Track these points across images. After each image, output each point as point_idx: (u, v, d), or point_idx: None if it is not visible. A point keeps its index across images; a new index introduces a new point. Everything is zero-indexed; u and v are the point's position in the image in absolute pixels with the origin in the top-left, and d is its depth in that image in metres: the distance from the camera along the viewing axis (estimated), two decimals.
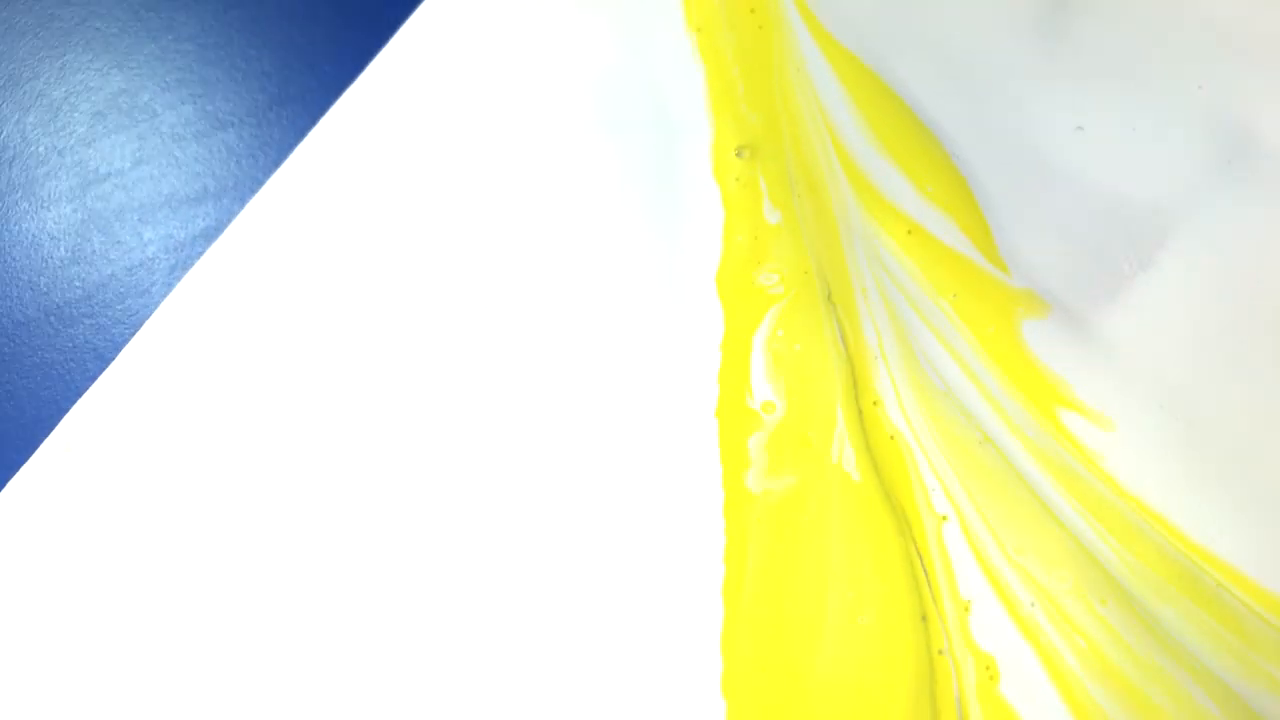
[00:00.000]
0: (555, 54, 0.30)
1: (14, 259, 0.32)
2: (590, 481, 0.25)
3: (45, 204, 0.33)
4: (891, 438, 0.25)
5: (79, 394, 0.30)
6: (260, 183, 0.33)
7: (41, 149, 0.34)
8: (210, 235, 0.32)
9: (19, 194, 0.33)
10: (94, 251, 0.32)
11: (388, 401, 0.26)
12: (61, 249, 0.32)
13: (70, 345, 0.31)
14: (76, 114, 0.35)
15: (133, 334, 0.30)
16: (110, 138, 0.34)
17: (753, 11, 0.30)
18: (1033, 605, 0.23)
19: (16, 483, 0.26)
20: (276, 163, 0.34)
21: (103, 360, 0.30)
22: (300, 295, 0.27)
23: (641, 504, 0.24)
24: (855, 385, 0.25)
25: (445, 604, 0.24)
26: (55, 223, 0.33)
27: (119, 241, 0.32)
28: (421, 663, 0.23)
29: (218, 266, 0.28)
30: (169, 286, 0.32)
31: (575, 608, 0.23)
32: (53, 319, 0.31)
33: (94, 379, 0.30)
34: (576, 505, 0.24)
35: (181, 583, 0.24)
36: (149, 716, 0.22)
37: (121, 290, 0.32)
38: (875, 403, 0.25)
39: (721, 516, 0.24)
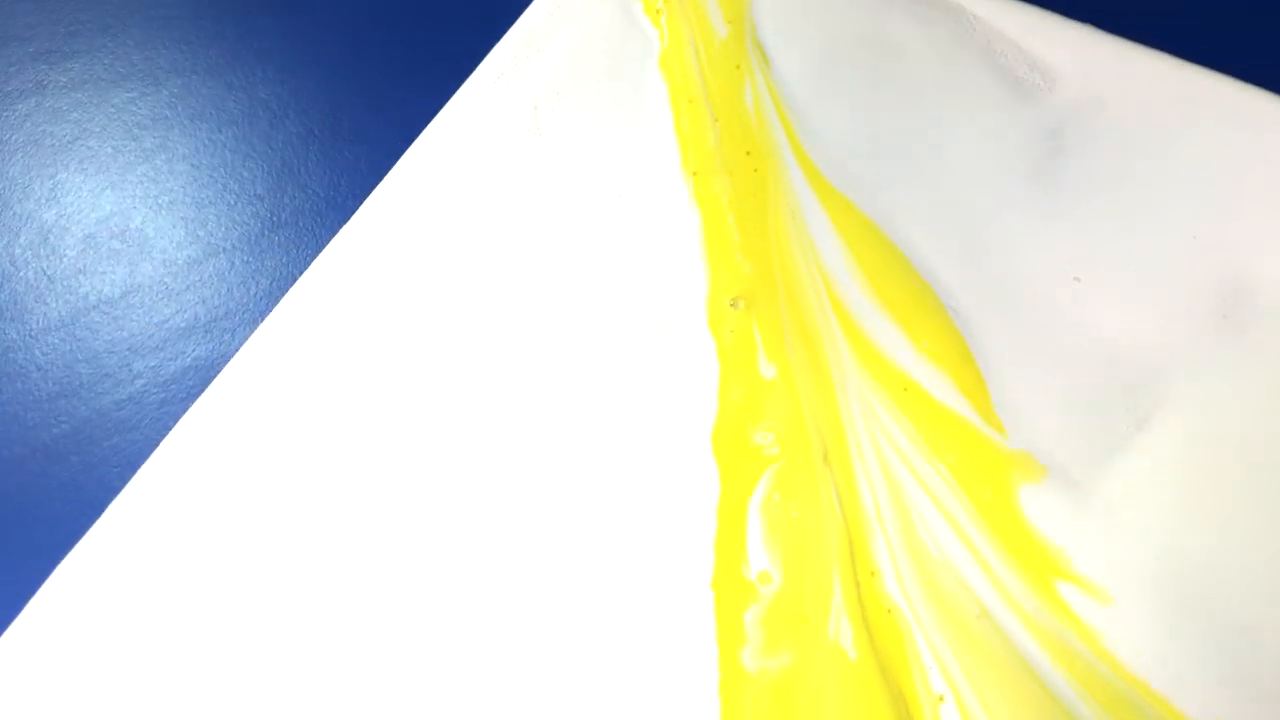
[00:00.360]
0: (551, 197, 0.30)
1: (1, 391, 0.32)
2: (585, 660, 0.24)
3: (34, 333, 0.33)
4: (889, 611, 0.25)
5: (68, 536, 0.29)
6: (252, 312, 0.33)
7: (32, 275, 0.34)
8: (201, 368, 0.32)
9: (7, 321, 0.33)
10: (81, 385, 0.32)
11: (377, 547, 0.25)
12: (49, 382, 0.32)
13: (56, 485, 0.31)
14: (68, 238, 0.34)
15: (120, 473, 0.30)
16: (101, 264, 0.34)
17: (749, 154, 0.30)
18: None
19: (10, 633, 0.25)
20: (270, 290, 0.33)
21: (90, 503, 0.30)
22: (304, 432, 0.27)
23: (635, 682, 0.24)
24: (853, 554, 0.25)
25: None
26: (44, 353, 0.32)
27: (107, 374, 0.32)
28: None
29: (212, 407, 0.28)
30: (158, 422, 0.31)
31: None
32: (39, 456, 0.31)
33: (81, 521, 0.29)
34: (569, 685, 0.24)
35: None
36: None
37: (109, 426, 0.31)
38: (873, 573, 0.25)
39: (717, 697, 0.24)
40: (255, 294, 0.33)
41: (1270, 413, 0.26)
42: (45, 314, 0.33)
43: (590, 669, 0.24)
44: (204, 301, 0.33)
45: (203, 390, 0.31)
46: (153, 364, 0.32)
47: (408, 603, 0.25)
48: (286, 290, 0.33)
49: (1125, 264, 0.28)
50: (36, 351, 0.32)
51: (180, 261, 0.34)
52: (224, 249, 0.34)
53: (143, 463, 0.29)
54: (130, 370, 0.32)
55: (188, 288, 0.33)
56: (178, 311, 0.33)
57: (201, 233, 0.34)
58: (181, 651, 0.25)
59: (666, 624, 0.24)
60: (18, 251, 0.34)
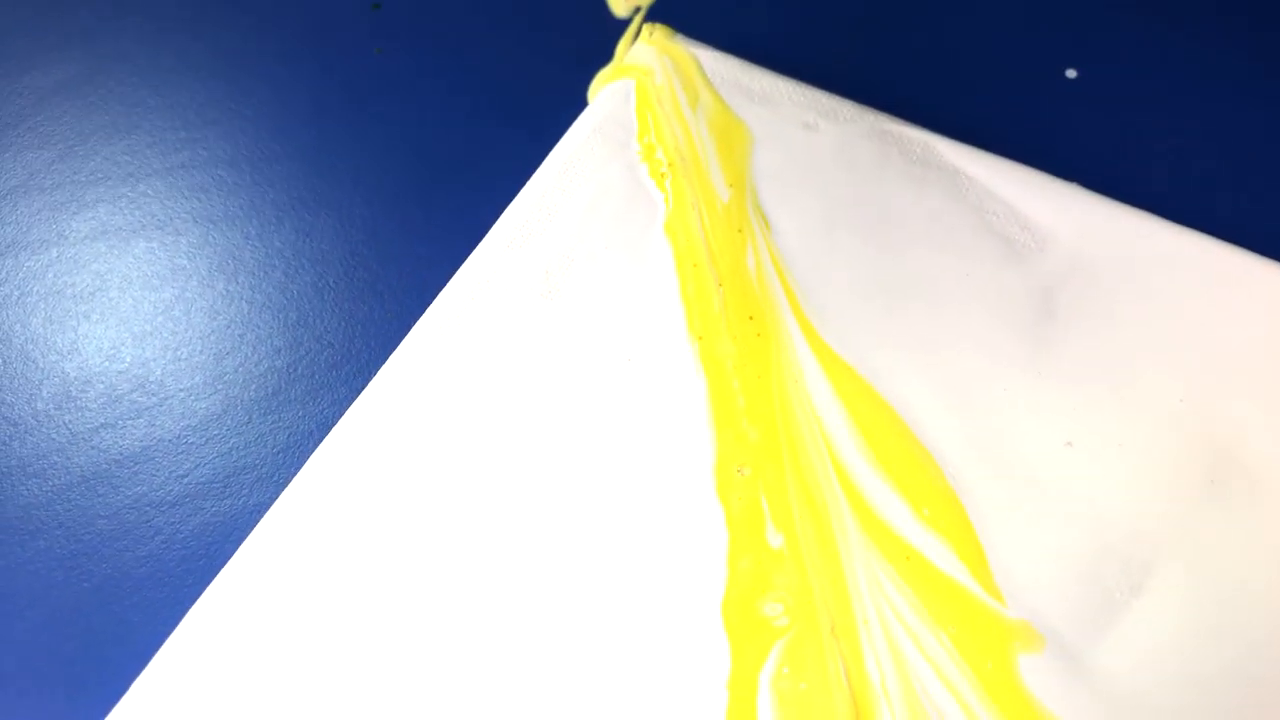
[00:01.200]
0: (564, 361, 0.31)
1: (25, 549, 0.33)
2: None
3: (57, 490, 0.34)
4: None
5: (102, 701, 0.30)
6: (271, 465, 0.34)
7: (55, 429, 0.35)
8: (221, 524, 0.33)
9: (31, 477, 0.34)
10: (103, 542, 0.33)
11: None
12: (71, 540, 0.33)
13: (80, 646, 0.31)
14: (90, 391, 0.36)
15: (147, 629, 0.31)
16: (123, 418, 0.35)
17: (751, 319, 0.32)
18: None
19: None
20: (287, 445, 0.34)
21: (109, 662, 0.30)
22: (328, 602, 0.28)
23: None
24: None
25: None
26: (66, 510, 0.33)
27: (128, 531, 0.33)
28: None
29: (241, 570, 0.29)
30: (179, 579, 0.32)
31: None
32: (65, 613, 0.32)
33: (111, 688, 0.30)
34: None
35: None
36: None
37: (130, 585, 0.32)
38: None
39: None
40: (273, 448, 0.34)
41: (1259, 578, 0.27)
42: (68, 470, 0.34)
43: None
44: (222, 456, 0.34)
45: (221, 546, 0.32)
46: (173, 520, 0.33)
47: None
48: (304, 444, 0.34)
49: (1115, 429, 0.30)
50: (59, 508, 0.33)
51: (199, 414, 0.35)
52: (242, 402, 0.35)
53: (166, 619, 0.30)
54: (150, 526, 0.33)
55: (206, 442, 0.34)
56: (197, 466, 0.34)
57: (220, 385, 0.35)
58: None
59: None
60: (40, 405, 0.35)
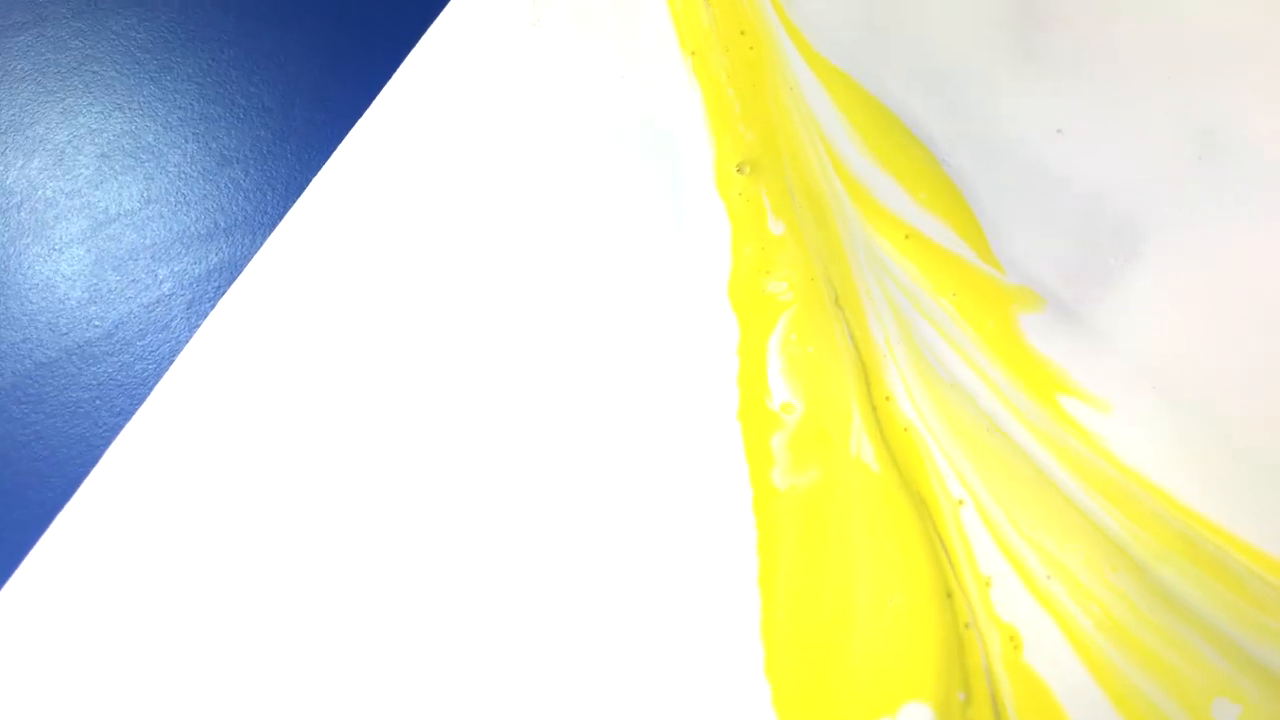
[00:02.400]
0: (555, 83, 0.31)
1: (31, 302, 0.33)
2: (623, 487, 0.26)
3: (57, 247, 0.34)
4: (905, 430, 0.26)
5: (108, 430, 0.30)
6: (270, 216, 0.34)
7: (50, 192, 0.35)
8: (225, 270, 0.33)
9: (30, 238, 0.34)
10: (110, 290, 0.33)
11: (413, 424, 0.27)
12: (78, 290, 0.33)
13: (95, 383, 0.32)
14: (82, 157, 0.35)
15: (157, 369, 0.31)
16: (117, 179, 0.35)
17: (743, 33, 0.32)
18: (1048, 578, 0.25)
19: (59, 522, 0.27)
20: (284, 196, 0.35)
21: (130, 396, 0.31)
22: (324, 322, 0.28)
23: (674, 505, 0.26)
24: (868, 382, 0.27)
25: (478, 613, 0.25)
26: (69, 264, 0.33)
27: (134, 280, 0.33)
28: (456, 671, 0.24)
29: (240, 302, 0.29)
30: (189, 321, 0.32)
31: (620, 608, 0.25)
32: (75, 358, 0.32)
33: (122, 415, 0.30)
34: (613, 510, 0.26)
35: (213, 612, 0.25)
36: None
37: (141, 327, 0.32)
38: (888, 398, 0.27)
39: (752, 513, 0.25)
40: (271, 200, 0.34)
41: (1240, 241, 0.28)
42: (67, 228, 0.34)
43: (625, 498, 0.26)
44: (221, 209, 0.34)
45: (227, 291, 0.32)
46: (177, 269, 0.33)
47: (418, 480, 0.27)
48: (300, 196, 0.34)
49: (1103, 113, 0.30)
50: (62, 263, 0.33)
51: (194, 173, 0.35)
52: (237, 159, 0.35)
53: (175, 359, 0.30)
54: (155, 276, 0.33)
55: (204, 197, 0.34)
56: (197, 219, 0.34)
57: (214, 145, 0.35)
58: (222, 525, 0.26)
59: (698, 453, 0.26)
60: (33, 173, 0.35)
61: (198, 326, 0.31)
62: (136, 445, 0.27)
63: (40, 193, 0.35)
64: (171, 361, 0.31)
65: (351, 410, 0.26)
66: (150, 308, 0.33)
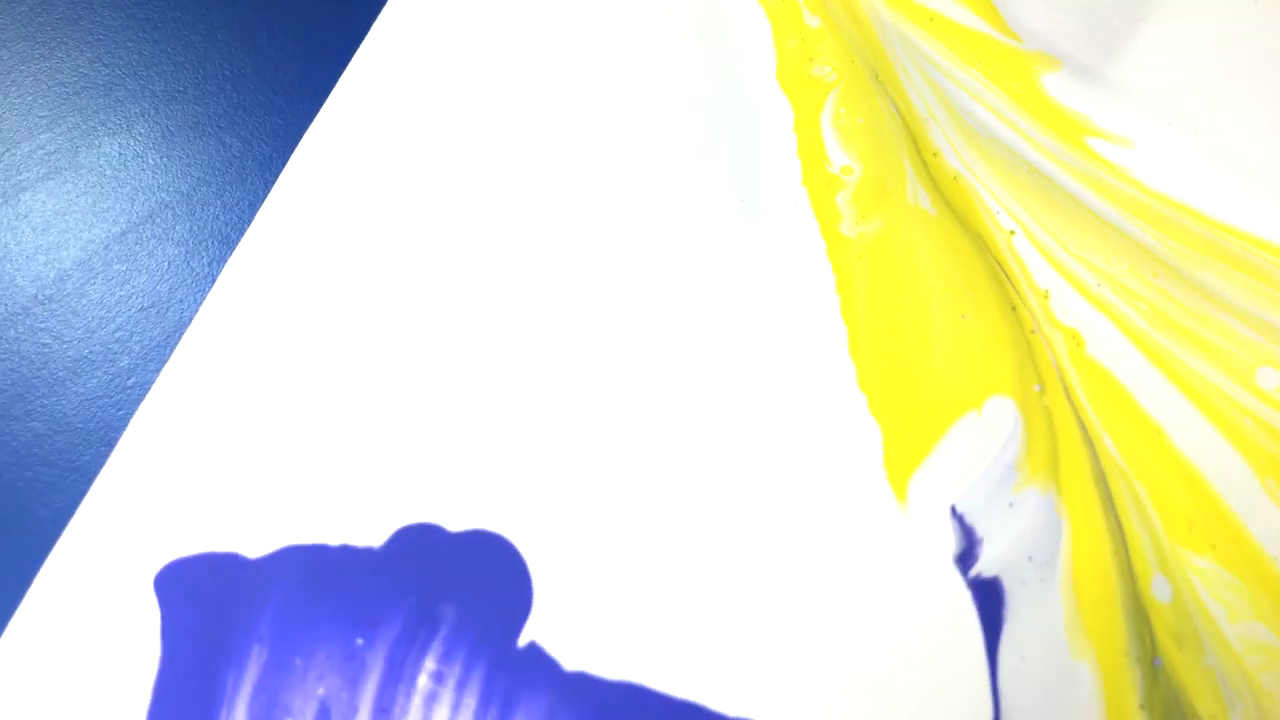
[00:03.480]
0: None
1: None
2: (707, 257, 0.28)
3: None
4: (954, 178, 0.29)
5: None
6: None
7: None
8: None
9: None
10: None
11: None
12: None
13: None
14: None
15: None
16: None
17: None
18: (1099, 286, 0.27)
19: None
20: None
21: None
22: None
23: (757, 262, 0.28)
24: (915, 143, 0.30)
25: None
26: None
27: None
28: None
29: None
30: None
31: (717, 359, 0.27)
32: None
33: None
34: (695, 278, 0.28)
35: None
36: None
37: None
38: (935, 154, 0.30)
39: (827, 259, 0.28)
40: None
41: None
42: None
43: (709, 266, 0.28)
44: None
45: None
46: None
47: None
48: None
49: None
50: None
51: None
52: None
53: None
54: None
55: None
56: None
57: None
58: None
59: (772, 219, 0.29)
60: None
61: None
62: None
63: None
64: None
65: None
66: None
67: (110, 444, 0.27)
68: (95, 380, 0.30)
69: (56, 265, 0.32)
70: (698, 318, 0.27)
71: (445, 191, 0.29)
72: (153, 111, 0.35)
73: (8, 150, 0.35)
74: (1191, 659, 0.23)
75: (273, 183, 0.31)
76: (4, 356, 0.31)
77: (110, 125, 0.35)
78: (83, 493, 0.27)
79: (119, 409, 0.29)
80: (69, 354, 0.31)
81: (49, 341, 0.31)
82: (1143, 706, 0.23)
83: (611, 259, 0.28)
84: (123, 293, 0.32)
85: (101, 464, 0.27)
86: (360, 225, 0.28)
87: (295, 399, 0.26)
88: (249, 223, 0.31)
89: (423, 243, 0.28)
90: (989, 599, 0.24)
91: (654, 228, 0.28)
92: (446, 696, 0.23)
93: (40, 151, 0.35)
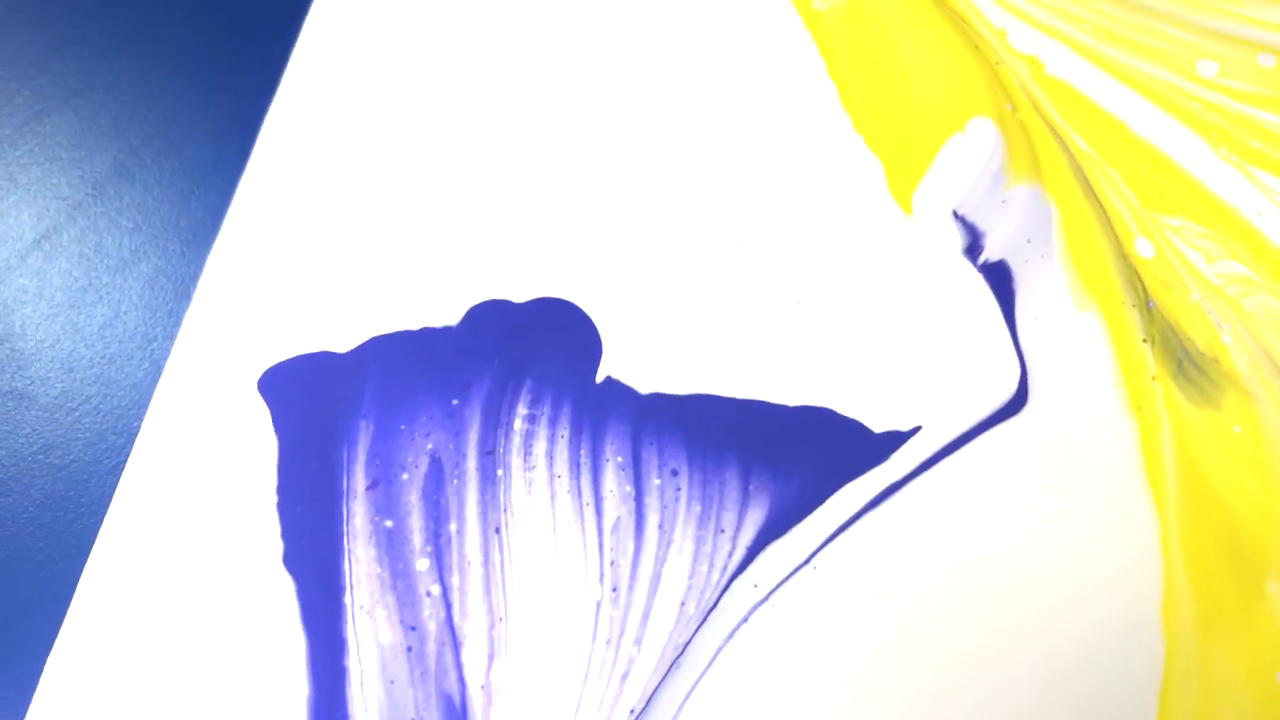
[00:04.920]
0: None
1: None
2: (697, 45, 0.31)
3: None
4: None
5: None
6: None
7: None
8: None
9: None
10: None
11: None
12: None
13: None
14: None
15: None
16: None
17: None
18: (1049, 18, 0.31)
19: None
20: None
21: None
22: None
23: (744, 41, 0.31)
24: None
25: None
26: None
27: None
28: None
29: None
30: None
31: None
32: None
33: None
34: (693, 58, 0.31)
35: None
36: None
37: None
38: None
39: (806, 31, 0.31)
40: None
41: None
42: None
43: (704, 50, 0.31)
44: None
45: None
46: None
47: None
48: None
49: None
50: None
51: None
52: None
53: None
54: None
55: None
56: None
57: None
58: None
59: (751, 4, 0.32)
60: None
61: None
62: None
63: None
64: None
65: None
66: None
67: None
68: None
69: None
70: (707, 92, 0.30)
71: None
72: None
73: None
74: (1179, 297, 0.27)
75: None
76: None
77: None
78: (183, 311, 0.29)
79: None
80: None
81: None
82: (1145, 340, 0.27)
83: (621, 55, 0.31)
84: None
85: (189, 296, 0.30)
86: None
87: (359, 204, 0.29)
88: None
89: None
90: (999, 278, 0.27)
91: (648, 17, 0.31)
92: (542, 433, 0.26)
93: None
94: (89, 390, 0.31)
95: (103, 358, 0.31)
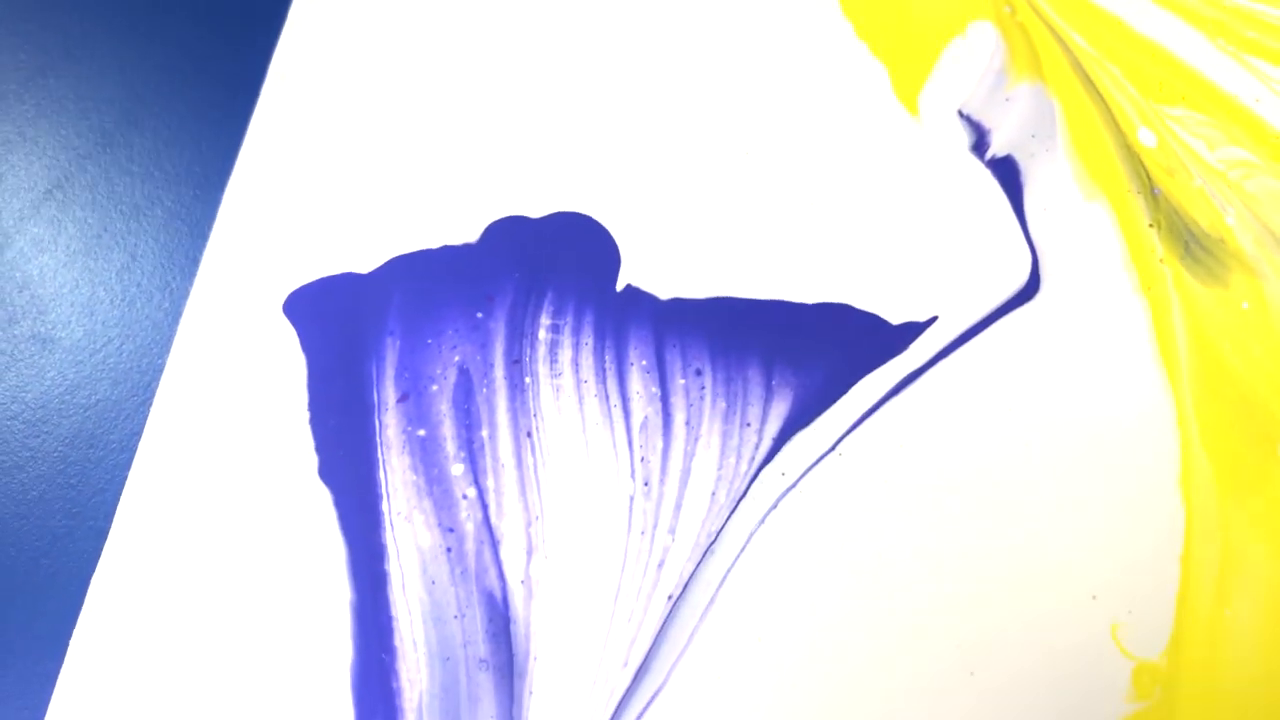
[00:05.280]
0: None
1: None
2: None
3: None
4: None
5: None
6: None
7: None
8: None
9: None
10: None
11: None
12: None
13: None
14: None
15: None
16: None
17: None
18: None
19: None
20: None
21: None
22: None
23: None
24: None
25: None
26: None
27: None
28: None
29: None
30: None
31: None
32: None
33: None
34: None
35: None
36: None
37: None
38: None
39: None
40: None
41: None
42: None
43: None
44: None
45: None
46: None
47: None
48: None
49: None
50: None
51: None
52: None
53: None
54: None
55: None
56: None
57: None
58: None
59: None
60: None
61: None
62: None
63: None
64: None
65: None
66: None
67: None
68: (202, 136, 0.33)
69: None
70: (714, 6, 0.31)
71: None
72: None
73: None
74: (1183, 183, 0.28)
75: None
76: None
77: None
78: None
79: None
80: None
81: None
82: (1151, 225, 0.27)
83: None
84: None
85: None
86: None
87: (372, 129, 0.29)
88: None
89: None
90: (1007, 173, 0.28)
91: None
92: (566, 341, 0.27)
93: None
94: (111, 332, 0.31)
95: (122, 299, 0.32)
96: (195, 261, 0.30)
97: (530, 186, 0.28)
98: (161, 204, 0.33)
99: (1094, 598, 0.24)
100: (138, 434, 0.28)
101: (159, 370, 0.29)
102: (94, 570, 0.26)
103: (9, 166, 0.34)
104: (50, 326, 0.32)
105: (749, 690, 0.23)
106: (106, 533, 0.27)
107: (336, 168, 0.29)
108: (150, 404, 0.29)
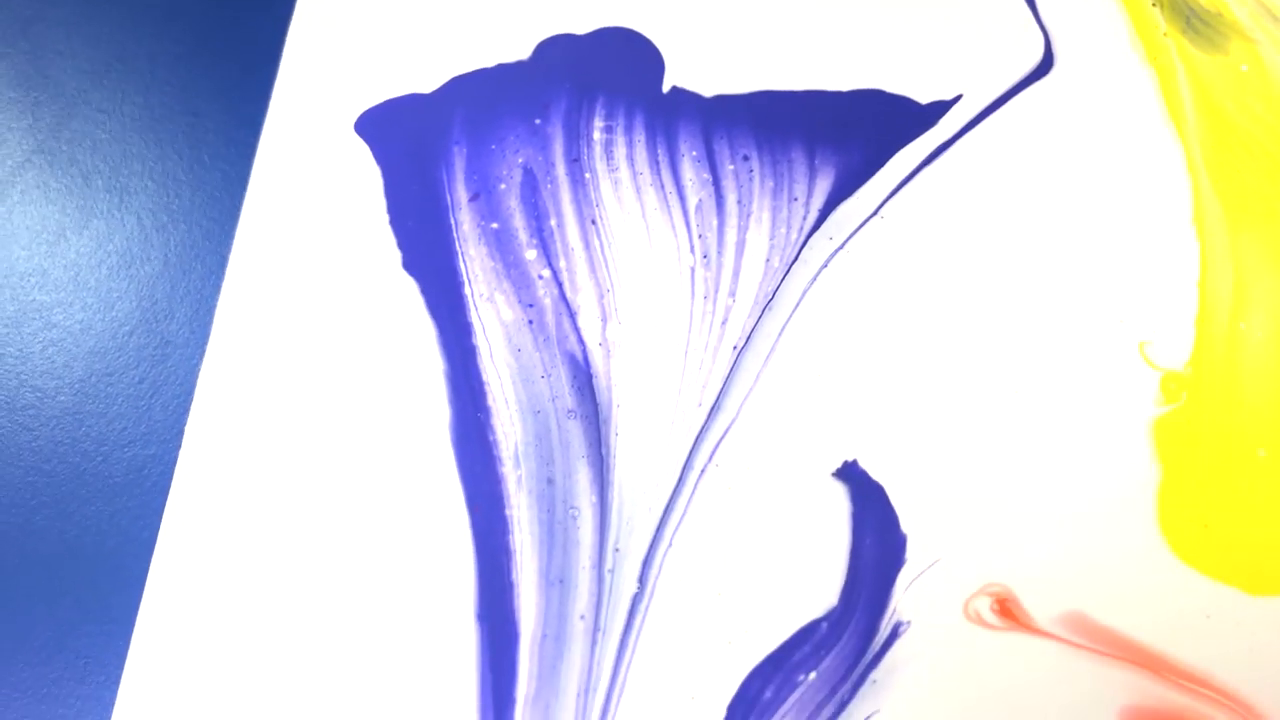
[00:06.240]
0: None
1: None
2: None
3: None
4: None
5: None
6: None
7: None
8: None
9: None
10: None
11: None
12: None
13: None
14: None
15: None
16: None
17: None
18: None
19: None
20: None
21: None
22: None
23: None
24: None
25: None
26: None
27: None
28: None
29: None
30: None
31: None
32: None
33: None
34: None
35: None
36: None
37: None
38: None
39: None
40: None
41: None
42: None
43: None
44: None
45: None
46: None
47: None
48: None
49: None
50: None
51: None
52: None
53: None
54: None
55: None
56: None
57: None
58: None
59: None
60: None
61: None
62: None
63: None
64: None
65: None
66: None
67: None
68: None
69: None
70: None
71: None
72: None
73: None
74: None
75: None
76: None
77: None
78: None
79: None
80: None
81: None
82: (1154, 4, 0.29)
83: None
84: None
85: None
86: None
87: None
88: None
89: None
90: None
91: None
92: (620, 139, 0.29)
93: None
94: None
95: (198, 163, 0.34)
96: (267, 96, 0.32)
97: (576, 6, 0.30)
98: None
99: (1121, 321, 0.26)
100: (226, 254, 0.30)
101: (240, 198, 0.31)
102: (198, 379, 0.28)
103: None
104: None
105: (812, 419, 0.26)
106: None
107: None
108: (235, 229, 0.31)
